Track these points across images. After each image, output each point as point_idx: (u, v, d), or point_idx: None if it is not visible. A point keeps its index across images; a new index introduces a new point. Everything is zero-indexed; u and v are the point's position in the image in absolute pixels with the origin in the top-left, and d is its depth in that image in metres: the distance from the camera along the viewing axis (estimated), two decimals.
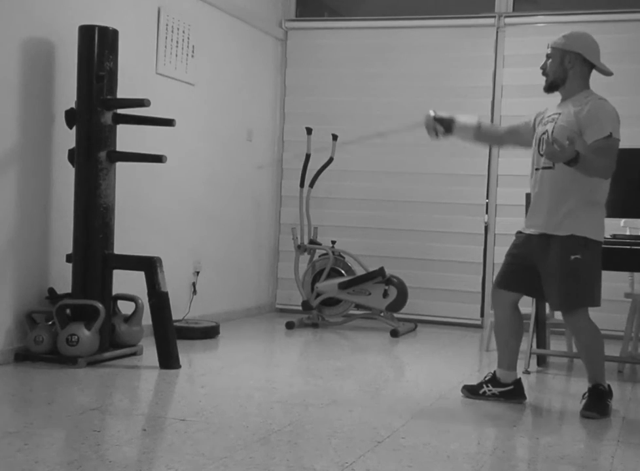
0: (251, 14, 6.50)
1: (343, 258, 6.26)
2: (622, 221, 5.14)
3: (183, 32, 5.64)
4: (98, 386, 3.96)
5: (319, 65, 6.94)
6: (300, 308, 6.27)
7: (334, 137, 6.34)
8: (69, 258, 4.52)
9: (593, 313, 3.81)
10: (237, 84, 6.40)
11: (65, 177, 4.55)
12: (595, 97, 3.72)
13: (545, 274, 3.76)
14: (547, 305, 5.00)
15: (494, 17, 6.48)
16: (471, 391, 3.98)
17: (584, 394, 3.78)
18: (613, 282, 5.68)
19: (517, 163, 5.68)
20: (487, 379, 3.98)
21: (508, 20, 6.46)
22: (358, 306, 6.20)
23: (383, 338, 5.79)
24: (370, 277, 6.01)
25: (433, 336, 6.08)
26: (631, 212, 4.76)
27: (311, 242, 6.34)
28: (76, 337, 4.27)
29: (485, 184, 6.52)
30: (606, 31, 6.20)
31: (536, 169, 3.80)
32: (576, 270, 3.64)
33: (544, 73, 3.83)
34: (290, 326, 6.06)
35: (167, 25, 5.45)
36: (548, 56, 3.81)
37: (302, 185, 6.34)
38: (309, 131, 6.26)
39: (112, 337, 4.56)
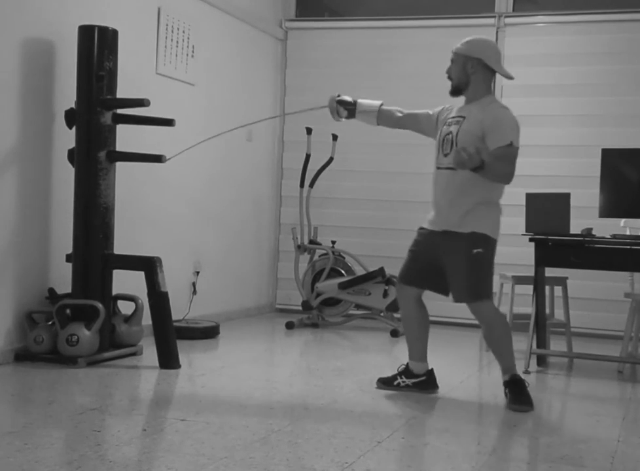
0: (251, 14, 6.50)
1: (343, 258, 6.26)
2: (622, 221, 5.14)
3: (183, 32, 5.64)
4: (98, 386, 3.96)
5: (319, 65, 6.94)
6: (300, 308, 6.27)
7: (334, 137, 6.34)
8: (69, 258, 4.52)
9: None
10: (237, 84, 6.40)
11: (65, 177, 4.55)
12: (497, 104, 3.85)
13: (450, 269, 3.86)
14: (547, 305, 5.02)
15: (494, 17, 6.49)
16: (386, 383, 4.09)
17: (505, 389, 3.82)
18: (613, 282, 5.70)
19: (517, 164, 5.68)
20: (400, 370, 4.09)
21: (508, 20, 6.47)
22: (358, 306, 6.20)
23: (383, 338, 5.79)
24: (370, 277, 6.01)
25: (433, 336, 6.04)
26: (631, 212, 4.76)
27: (311, 242, 6.34)
28: (76, 337, 4.27)
29: None
30: (606, 31, 6.22)
31: (438, 168, 3.90)
32: (479, 263, 3.78)
33: (449, 77, 3.92)
34: (290, 326, 6.06)
35: (167, 25, 5.45)
36: (451, 61, 3.90)
37: (302, 185, 6.34)
38: (309, 131, 6.26)
39: (112, 337, 4.56)
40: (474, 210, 3.78)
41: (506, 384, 3.84)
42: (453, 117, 3.89)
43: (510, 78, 3.90)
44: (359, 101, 4.10)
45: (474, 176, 3.66)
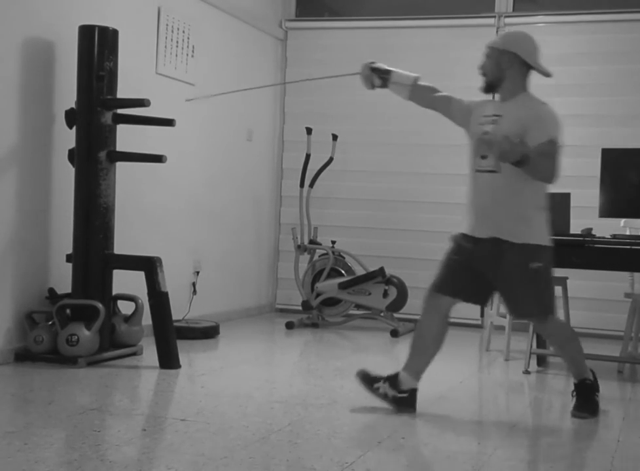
0: (251, 14, 6.50)
1: (343, 258, 6.27)
2: (622, 221, 5.14)
3: (183, 32, 5.64)
4: (98, 386, 3.96)
5: (319, 65, 6.92)
6: (300, 308, 6.27)
7: (334, 137, 6.34)
8: (69, 258, 4.52)
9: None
10: (237, 84, 6.38)
11: (65, 177, 4.55)
12: (537, 101, 3.63)
13: (504, 283, 3.61)
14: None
15: (494, 17, 6.48)
16: (366, 380, 3.74)
17: (572, 391, 3.78)
18: (613, 282, 5.70)
19: None
20: (388, 376, 3.70)
21: (508, 20, 6.46)
22: (358, 306, 6.20)
23: (383, 338, 5.79)
24: (370, 277, 6.01)
25: None
26: (631, 212, 4.76)
27: (311, 242, 6.34)
28: (76, 337, 4.27)
29: None
30: (606, 31, 6.21)
31: (477, 171, 3.63)
32: (539, 278, 3.56)
33: (482, 73, 3.70)
34: (290, 326, 6.06)
35: (167, 25, 5.45)
36: (486, 56, 3.69)
37: (302, 185, 6.34)
38: (309, 131, 6.26)
39: (112, 337, 4.56)
40: (525, 217, 3.53)
41: (575, 387, 3.75)
42: (487, 115, 3.66)
43: (548, 75, 3.70)
44: (393, 70, 3.87)
45: (519, 177, 3.45)
